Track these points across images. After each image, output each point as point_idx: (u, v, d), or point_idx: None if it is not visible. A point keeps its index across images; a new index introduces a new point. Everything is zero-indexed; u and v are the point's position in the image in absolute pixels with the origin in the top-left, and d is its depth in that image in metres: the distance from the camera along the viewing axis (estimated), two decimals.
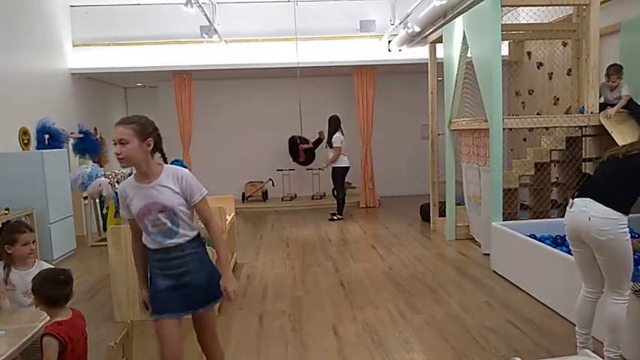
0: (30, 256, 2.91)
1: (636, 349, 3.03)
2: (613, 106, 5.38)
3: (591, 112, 5.45)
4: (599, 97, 5.55)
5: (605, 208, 2.79)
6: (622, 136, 5.05)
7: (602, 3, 5.56)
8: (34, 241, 2.92)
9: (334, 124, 8.41)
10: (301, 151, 9.78)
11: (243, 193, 10.22)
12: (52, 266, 2.96)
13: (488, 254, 5.62)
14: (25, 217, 5.98)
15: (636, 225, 4.84)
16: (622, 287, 2.86)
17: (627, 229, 2.79)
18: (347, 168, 8.47)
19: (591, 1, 5.39)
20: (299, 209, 9.74)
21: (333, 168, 8.46)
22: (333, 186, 8.80)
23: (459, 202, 6.74)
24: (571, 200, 3.02)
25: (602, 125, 5.35)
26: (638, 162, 2.85)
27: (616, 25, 6.24)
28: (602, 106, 5.48)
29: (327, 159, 8.50)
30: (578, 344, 3.08)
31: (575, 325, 3.13)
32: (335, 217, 8.54)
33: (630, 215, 2.80)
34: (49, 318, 2.39)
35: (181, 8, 6.65)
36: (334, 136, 8.33)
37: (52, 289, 2.33)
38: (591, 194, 2.91)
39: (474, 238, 6.39)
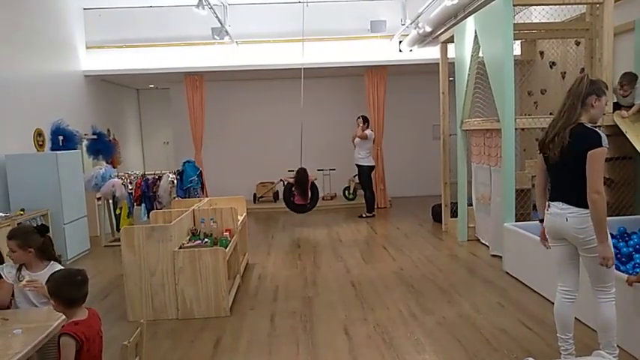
0: (12, 261, 2.95)
1: None
2: (627, 107, 5.32)
3: (604, 112, 5.38)
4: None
5: (577, 207, 2.83)
6: (636, 136, 4.99)
7: (616, 1, 5.49)
8: (13, 250, 2.90)
9: (367, 122, 8.74)
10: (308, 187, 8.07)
11: (255, 194, 10.25)
12: (64, 267, 3.02)
13: (496, 255, 5.60)
14: (40, 218, 6.06)
15: (630, 225, 4.80)
16: (606, 283, 2.88)
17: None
18: (373, 167, 8.81)
19: None
20: None
21: (361, 166, 8.66)
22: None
23: (471, 202, 6.71)
24: (548, 202, 3.06)
25: (617, 125, 5.29)
26: (577, 153, 2.80)
27: (630, 23, 6.15)
28: (616, 106, 5.42)
29: (360, 133, 8.60)
30: (562, 352, 3.03)
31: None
32: (364, 215, 8.69)
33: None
34: (64, 317, 2.43)
35: (193, 10, 6.69)
36: (367, 131, 8.63)
37: (71, 289, 2.36)
38: (560, 197, 2.95)
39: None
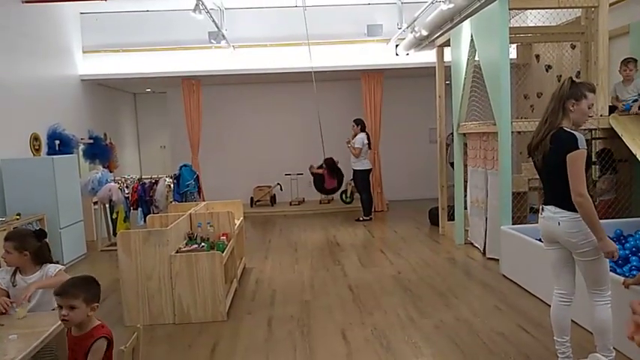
0: (6, 263, 2.97)
1: None
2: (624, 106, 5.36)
3: (601, 115, 5.41)
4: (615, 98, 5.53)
5: (568, 211, 2.83)
6: (632, 139, 5.01)
7: (611, 5, 5.53)
8: (8, 252, 2.90)
9: (361, 125, 8.75)
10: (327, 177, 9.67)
11: (252, 198, 10.25)
12: (60, 267, 3.04)
13: (492, 258, 5.60)
14: (36, 223, 6.03)
15: (626, 228, 4.80)
16: (602, 286, 2.88)
17: None
18: (368, 170, 8.73)
19: (600, 2, 5.37)
20: (307, 213, 9.74)
21: (355, 170, 8.64)
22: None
23: (466, 206, 6.71)
24: (541, 206, 3.07)
25: (612, 128, 5.31)
26: (557, 157, 2.82)
27: (625, 27, 6.20)
28: (612, 109, 5.44)
29: (352, 146, 8.57)
30: (559, 355, 3.04)
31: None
32: (361, 219, 8.68)
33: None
34: (60, 323, 2.42)
35: (190, 14, 6.70)
36: (357, 137, 8.56)
37: (99, 289, 2.40)
38: (552, 201, 2.96)
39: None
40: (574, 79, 2.96)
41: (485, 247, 5.89)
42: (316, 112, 9.27)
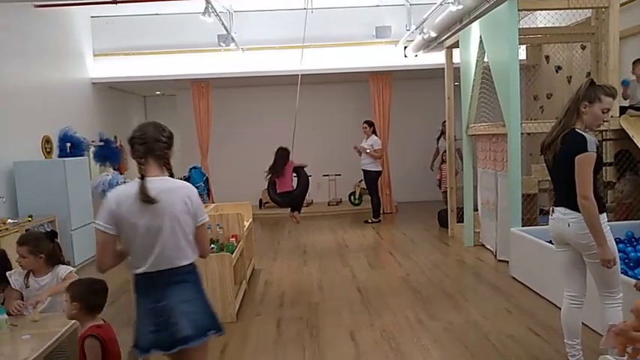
0: (21, 267, 3.01)
1: None
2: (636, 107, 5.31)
3: (612, 116, 5.36)
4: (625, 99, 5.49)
5: (578, 213, 2.80)
6: None
7: (621, 5, 5.50)
8: (23, 256, 2.93)
9: (373, 127, 8.82)
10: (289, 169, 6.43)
11: (261, 200, 10.28)
12: (70, 268, 3.11)
13: (503, 260, 5.57)
14: (48, 224, 6.10)
15: (638, 230, 4.74)
16: (612, 289, 2.87)
17: (607, 229, 2.78)
18: (380, 172, 8.76)
19: (610, 3, 5.33)
20: (315, 215, 9.75)
21: (368, 172, 8.64)
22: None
23: (477, 208, 6.68)
24: (552, 207, 3.06)
25: (624, 129, 5.26)
26: (567, 159, 2.81)
27: (636, 27, 6.14)
28: (623, 110, 5.40)
29: (364, 148, 8.55)
30: (569, 357, 3.03)
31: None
32: (370, 221, 8.68)
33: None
34: (74, 322, 2.48)
35: (199, 17, 6.74)
36: (375, 139, 8.62)
37: (93, 296, 2.46)
38: (562, 202, 2.94)
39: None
40: (594, 80, 2.95)
41: (496, 248, 5.87)
42: (325, 113, 9.30)
